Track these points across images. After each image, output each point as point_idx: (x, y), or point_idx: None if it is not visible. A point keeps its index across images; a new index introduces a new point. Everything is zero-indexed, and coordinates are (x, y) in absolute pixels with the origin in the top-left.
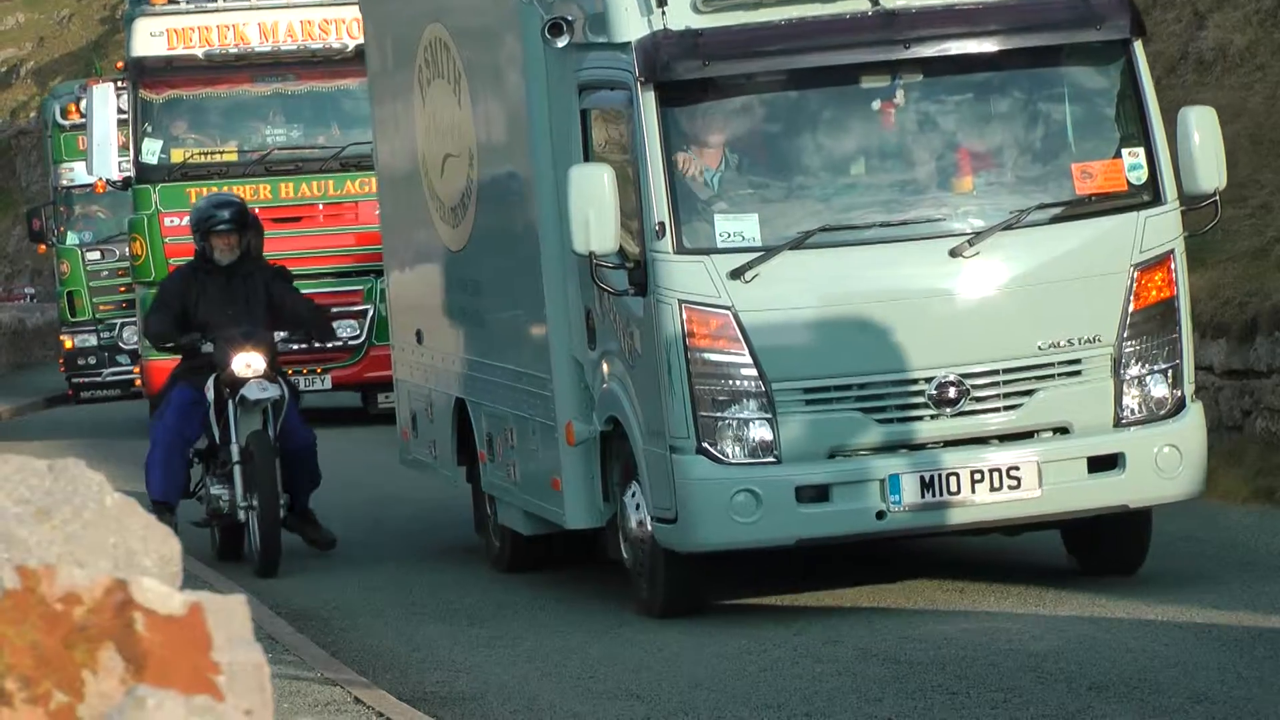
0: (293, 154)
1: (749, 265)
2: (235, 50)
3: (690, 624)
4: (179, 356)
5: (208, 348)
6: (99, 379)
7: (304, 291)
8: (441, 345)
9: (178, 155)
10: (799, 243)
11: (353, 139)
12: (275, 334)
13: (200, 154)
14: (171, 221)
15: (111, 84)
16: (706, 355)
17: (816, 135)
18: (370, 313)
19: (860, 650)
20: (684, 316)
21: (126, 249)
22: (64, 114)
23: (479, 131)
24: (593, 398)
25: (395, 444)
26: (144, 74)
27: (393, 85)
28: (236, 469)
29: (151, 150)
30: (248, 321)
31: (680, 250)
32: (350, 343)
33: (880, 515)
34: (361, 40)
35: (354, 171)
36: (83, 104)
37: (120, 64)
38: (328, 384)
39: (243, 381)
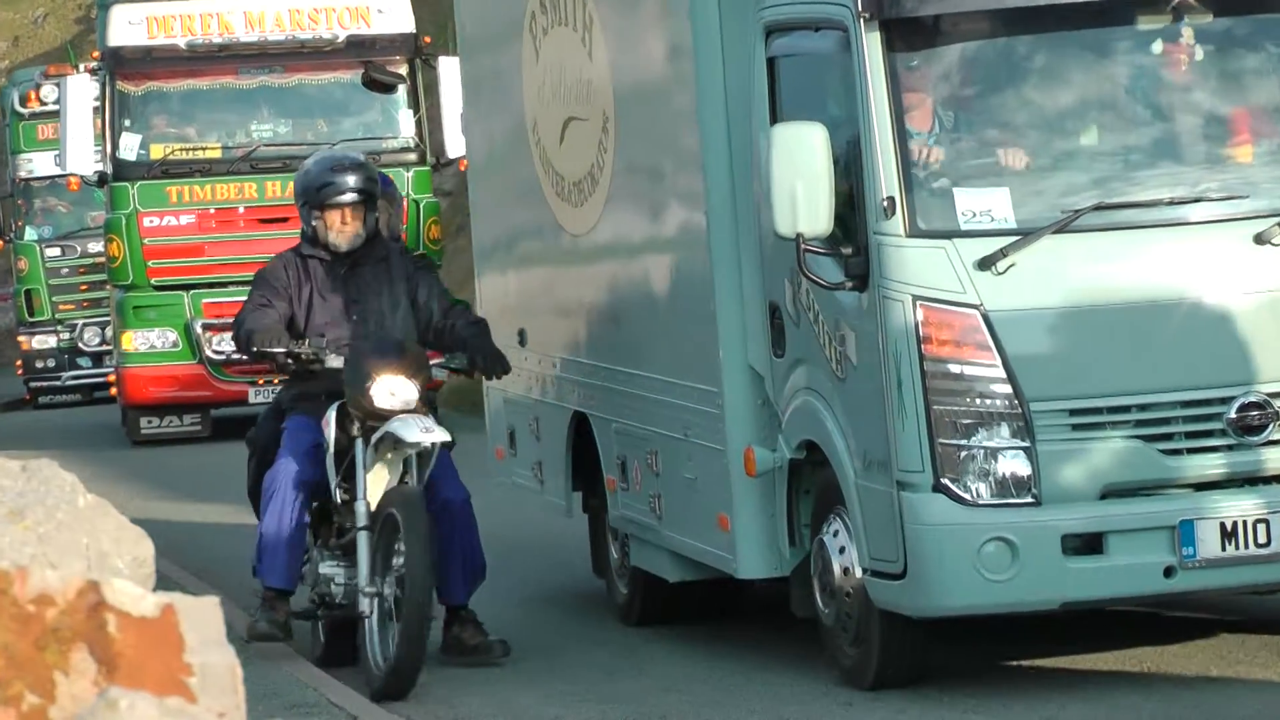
0: (280, 150)
1: (1002, 252)
2: (219, 40)
3: (662, 629)
4: (258, 369)
5: (335, 362)
6: (58, 383)
7: None
8: (554, 348)
9: (157, 151)
10: (1065, 224)
11: (344, 135)
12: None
13: (181, 150)
14: (151, 221)
15: (87, 74)
16: (948, 366)
17: (1084, 88)
18: None
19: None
20: (919, 317)
21: (98, 247)
22: (23, 102)
23: (618, 88)
24: (778, 417)
25: None
26: (121, 65)
27: (492, 41)
28: (363, 539)
29: (129, 146)
30: (378, 333)
31: (914, 233)
32: None
33: (1169, 572)
34: (353, 30)
35: None
36: (43, 91)
37: (96, 54)
38: None
39: (383, 415)
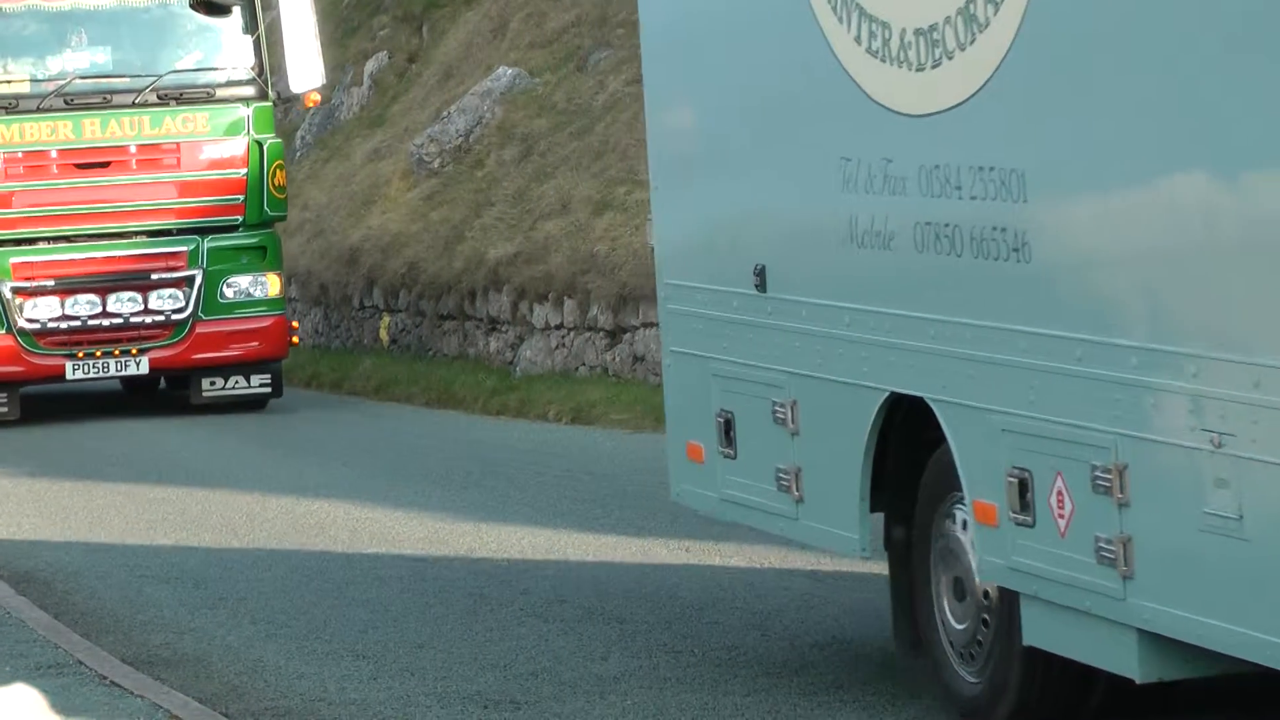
0: (99, 84)
1: None
2: None
3: (415, 584)
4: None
5: None
6: None
7: (113, 255)
8: (840, 294)
9: None
10: None
11: (171, 66)
12: None
13: None
14: None
15: None
16: None
17: None
18: (197, 280)
19: (586, 610)
20: None
21: None
22: None
23: None
24: None
25: (206, 431)
26: None
27: None
28: None
29: None
30: None
31: None
32: (172, 317)
33: None
34: None
35: (175, 106)
36: None
37: None
38: (144, 367)
39: None
